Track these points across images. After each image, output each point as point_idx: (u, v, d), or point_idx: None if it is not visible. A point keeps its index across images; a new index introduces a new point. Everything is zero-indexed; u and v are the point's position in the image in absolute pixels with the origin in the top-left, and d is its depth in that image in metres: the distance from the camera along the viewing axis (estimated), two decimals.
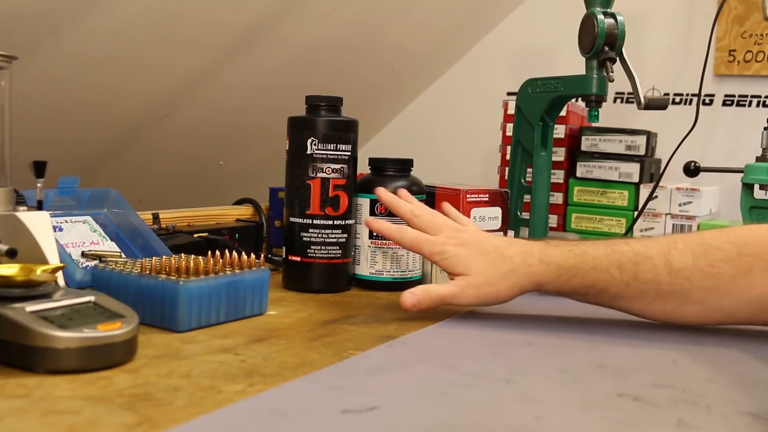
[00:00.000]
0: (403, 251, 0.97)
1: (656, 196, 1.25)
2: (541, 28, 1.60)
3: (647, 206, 1.23)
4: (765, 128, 1.09)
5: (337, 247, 0.95)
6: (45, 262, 0.69)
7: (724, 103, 1.44)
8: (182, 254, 0.80)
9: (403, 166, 1.00)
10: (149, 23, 1.06)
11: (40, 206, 0.73)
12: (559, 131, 1.31)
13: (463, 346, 0.72)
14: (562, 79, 1.13)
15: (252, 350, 0.67)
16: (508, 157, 1.26)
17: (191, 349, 0.67)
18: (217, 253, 0.81)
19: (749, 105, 1.42)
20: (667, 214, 1.25)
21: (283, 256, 0.97)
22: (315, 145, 0.94)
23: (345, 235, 0.95)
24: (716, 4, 1.37)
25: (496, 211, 1.03)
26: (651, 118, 1.33)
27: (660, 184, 1.24)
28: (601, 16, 1.08)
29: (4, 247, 0.64)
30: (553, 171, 1.25)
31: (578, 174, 1.33)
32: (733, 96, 1.43)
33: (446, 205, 0.94)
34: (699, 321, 0.77)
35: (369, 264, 0.98)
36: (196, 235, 1.01)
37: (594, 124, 1.31)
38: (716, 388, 0.61)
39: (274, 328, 0.75)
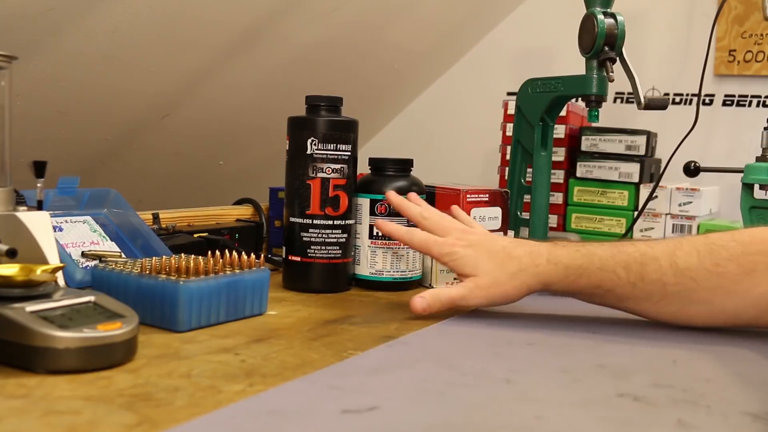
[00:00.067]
0: (403, 251, 0.97)
1: (656, 196, 1.25)
2: (541, 28, 1.60)
3: (647, 206, 1.23)
4: (765, 128, 1.09)
5: (337, 247, 0.95)
6: (45, 262, 0.69)
7: (724, 103, 1.44)
8: (182, 254, 0.80)
9: (403, 166, 1.00)
10: (149, 23, 1.06)
11: (40, 206, 0.73)
12: (559, 131, 1.31)
13: (463, 346, 0.72)
14: (562, 79, 1.13)
15: (252, 350, 0.67)
16: (508, 157, 1.26)
17: (191, 349, 0.67)
18: (217, 253, 0.81)
19: (749, 105, 1.42)
20: (667, 214, 1.25)
21: (283, 256, 0.97)
22: (315, 145, 0.94)
23: (345, 235, 0.95)
24: (716, 4, 1.37)
25: (496, 211, 1.03)
26: (651, 118, 1.33)
27: (660, 184, 1.24)
28: (601, 16, 1.08)
29: (4, 247, 0.64)
30: (553, 171, 1.26)
31: (578, 174, 1.33)
32: (733, 96, 1.43)
33: (455, 208, 0.95)
34: (704, 322, 0.77)
35: (369, 264, 0.98)
36: (196, 235, 1.01)
37: (594, 124, 1.31)
38: (716, 388, 0.61)
39: (274, 328, 0.75)
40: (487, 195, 1.03)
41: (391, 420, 0.51)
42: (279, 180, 1.00)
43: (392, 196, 0.92)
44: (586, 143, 1.32)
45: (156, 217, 1.01)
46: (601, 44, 1.08)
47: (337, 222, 0.95)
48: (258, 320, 0.79)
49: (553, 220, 1.31)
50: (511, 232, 1.11)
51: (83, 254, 0.87)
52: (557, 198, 1.33)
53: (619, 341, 0.74)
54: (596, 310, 0.82)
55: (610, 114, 1.41)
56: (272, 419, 0.51)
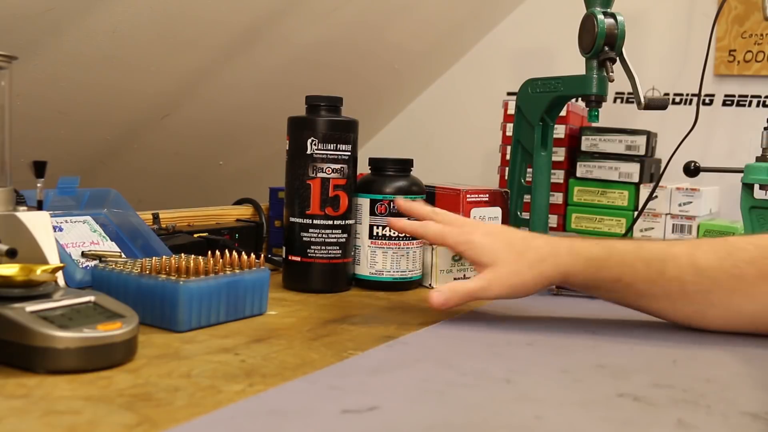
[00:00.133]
0: (403, 251, 0.97)
1: (656, 196, 1.25)
2: (541, 28, 1.60)
3: (647, 206, 1.23)
4: (765, 128, 1.09)
5: (337, 247, 0.95)
6: (45, 262, 0.69)
7: (724, 103, 1.44)
8: (182, 254, 0.80)
9: (403, 166, 1.00)
10: (149, 23, 1.06)
11: (40, 206, 0.73)
12: (559, 131, 1.31)
13: (463, 346, 0.72)
14: (562, 79, 1.13)
15: (252, 350, 0.67)
16: (508, 157, 1.26)
17: (191, 349, 0.67)
18: (217, 253, 0.81)
19: (749, 105, 1.42)
20: (667, 214, 1.25)
21: (283, 256, 0.97)
22: (315, 145, 0.94)
23: (345, 235, 0.95)
24: (716, 4, 1.37)
25: (496, 211, 1.04)
26: (651, 118, 1.32)
27: (660, 184, 1.24)
28: (601, 16, 1.08)
29: (4, 247, 0.64)
30: (553, 171, 1.25)
31: (578, 174, 1.33)
32: (733, 96, 1.43)
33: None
34: (720, 326, 0.76)
35: (369, 264, 0.98)
36: (196, 235, 1.01)
37: (594, 124, 1.31)
38: (716, 388, 0.61)
39: (274, 328, 0.75)
40: (487, 195, 1.03)
41: (391, 420, 0.51)
42: (279, 180, 1.00)
43: (401, 201, 0.89)
44: (586, 143, 1.32)
45: (156, 217, 1.01)
46: (601, 44, 1.08)
47: (337, 222, 0.95)
48: (258, 320, 0.79)
49: (553, 220, 1.31)
50: None
51: (83, 254, 0.87)
52: (557, 198, 1.33)
53: (619, 341, 0.74)
54: (596, 311, 0.82)
55: (610, 114, 1.41)
56: (272, 419, 0.51)
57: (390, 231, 0.97)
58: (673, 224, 1.24)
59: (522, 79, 1.20)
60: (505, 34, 1.65)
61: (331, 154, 0.94)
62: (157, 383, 0.57)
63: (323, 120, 0.94)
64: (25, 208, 0.72)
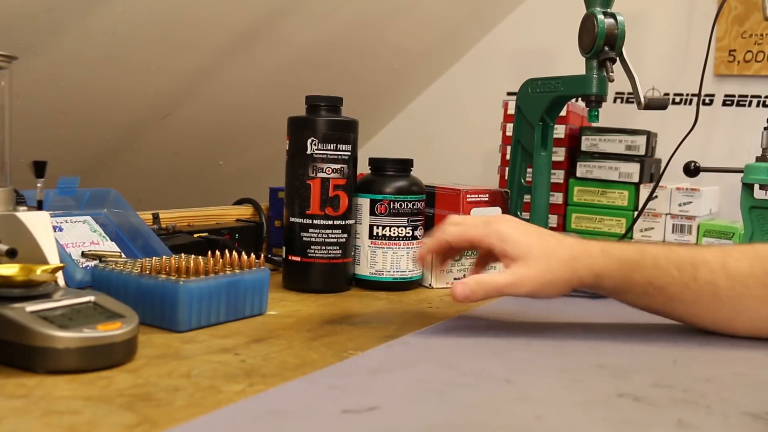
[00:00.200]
0: (403, 251, 0.97)
1: (656, 196, 1.25)
2: (541, 28, 1.60)
3: (647, 206, 1.23)
4: (765, 128, 1.09)
5: (337, 247, 0.95)
6: (45, 262, 0.69)
7: (724, 103, 1.44)
8: (182, 254, 0.80)
9: (403, 166, 1.00)
10: (149, 23, 1.06)
11: (40, 206, 0.73)
12: (559, 131, 1.31)
13: (463, 346, 0.72)
14: (562, 79, 1.13)
15: (252, 350, 0.67)
16: (508, 157, 1.26)
17: (191, 349, 0.67)
18: (217, 253, 0.81)
19: (749, 105, 1.42)
20: (667, 214, 1.25)
21: (283, 256, 0.97)
22: (315, 145, 0.94)
23: (345, 235, 0.95)
24: (716, 4, 1.37)
25: (496, 211, 1.03)
26: (651, 118, 1.33)
27: (660, 184, 1.24)
28: (601, 16, 1.08)
29: (4, 247, 0.64)
30: (553, 171, 1.26)
31: (578, 174, 1.33)
32: (733, 96, 1.43)
33: None
34: (747, 332, 0.75)
35: (369, 264, 0.98)
36: (196, 235, 1.01)
37: (594, 124, 1.31)
38: (716, 388, 0.61)
39: (274, 328, 0.75)
40: (487, 195, 1.03)
41: (391, 420, 0.51)
42: (279, 180, 1.00)
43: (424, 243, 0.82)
44: (586, 143, 1.32)
45: (156, 217, 1.01)
46: (601, 44, 1.08)
47: (337, 222, 0.95)
48: (258, 320, 0.79)
49: (553, 220, 1.31)
50: None
51: (83, 254, 0.87)
52: (557, 198, 1.33)
53: (619, 341, 0.74)
54: (596, 312, 0.82)
55: (610, 114, 1.41)
56: (272, 419, 0.51)
57: (390, 231, 0.97)
58: (673, 224, 1.24)
59: (522, 79, 1.20)
60: (505, 34, 1.65)
61: (331, 154, 0.94)
62: (157, 383, 0.57)
63: (323, 120, 0.94)
64: (25, 208, 0.72)
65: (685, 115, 1.37)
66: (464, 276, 1.01)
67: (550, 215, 1.22)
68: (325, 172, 0.94)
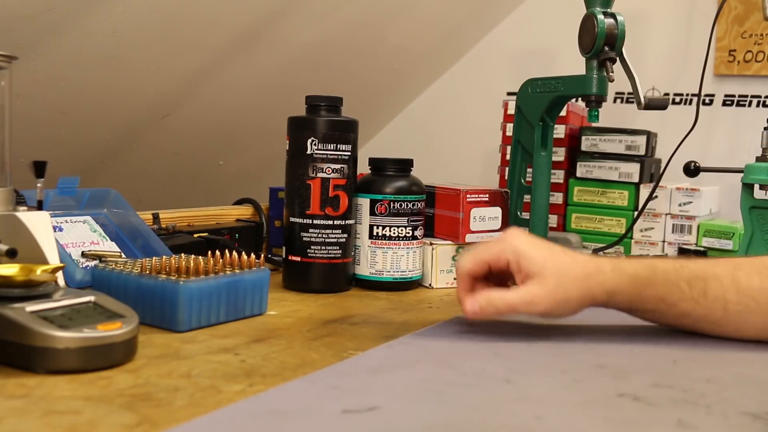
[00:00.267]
0: (403, 251, 0.97)
1: (656, 196, 1.25)
2: (541, 28, 1.60)
3: (647, 206, 1.23)
4: (765, 128, 1.09)
5: (337, 247, 0.95)
6: (45, 262, 0.69)
7: (724, 103, 1.44)
8: (182, 254, 0.80)
9: (403, 166, 1.00)
10: (149, 23, 1.06)
11: (40, 206, 0.73)
12: (559, 131, 1.31)
13: (463, 346, 0.72)
14: (562, 79, 1.13)
15: (252, 350, 0.67)
16: (508, 157, 1.26)
17: (191, 349, 0.67)
18: (217, 253, 0.81)
19: (749, 105, 1.42)
20: (667, 214, 1.25)
21: (283, 256, 0.97)
22: (315, 145, 0.94)
23: (345, 235, 0.95)
24: (716, 4, 1.37)
25: (496, 211, 1.04)
26: (651, 118, 1.32)
27: (660, 184, 1.24)
28: (601, 16, 1.08)
29: (4, 247, 0.64)
30: (553, 171, 1.25)
31: (578, 174, 1.32)
32: (733, 96, 1.43)
33: None
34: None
35: (369, 264, 0.98)
36: (196, 235, 1.01)
37: (594, 124, 1.31)
38: (716, 388, 0.61)
39: (274, 328, 0.75)
40: (487, 195, 1.03)
41: (391, 420, 0.51)
42: (279, 180, 1.00)
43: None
44: (586, 143, 1.32)
45: (156, 217, 1.01)
46: (601, 44, 1.08)
47: (337, 222, 0.95)
48: (258, 320, 0.79)
49: (553, 220, 1.31)
50: None
51: (83, 254, 0.87)
52: (557, 198, 1.33)
53: (619, 341, 0.74)
54: (596, 312, 0.81)
55: (610, 114, 1.41)
56: (272, 419, 0.51)
57: (390, 231, 0.97)
58: (673, 224, 1.24)
59: (522, 79, 1.20)
60: (505, 34, 1.65)
61: (331, 154, 0.94)
62: (157, 383, 0.57)
63: (323, 120, 0.94)
64: (25, 208, 0.72)
65: (685, 115, 1.37)
66: None
67: (550, 215, 1.22)
68: (325, 172, 0.94)
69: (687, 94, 1.47)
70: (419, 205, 0.99)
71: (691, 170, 1.14)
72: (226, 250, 0.81)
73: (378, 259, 0.97)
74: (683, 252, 1.19)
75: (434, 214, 1.05)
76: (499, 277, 0.76)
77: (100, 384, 0.56)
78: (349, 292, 0.97)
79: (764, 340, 0.74)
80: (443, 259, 1.01)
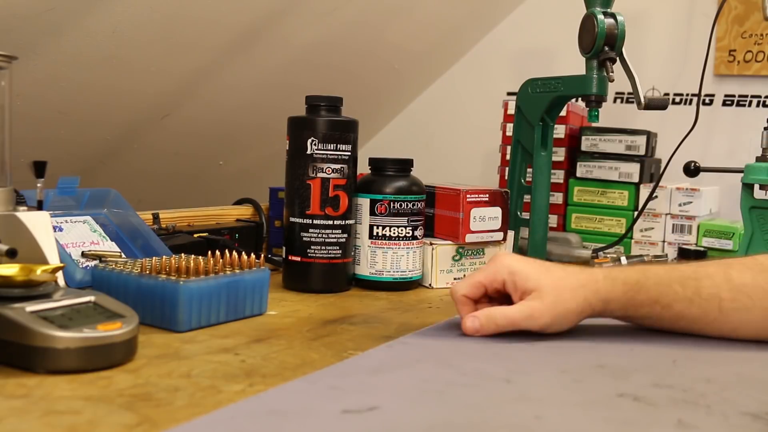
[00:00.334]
0: (403, 251, 0.97)
1: (656, 196, 1.25)
2: (541, 28, 1.60)
3: (647, 206, 1.23)
4: (765, 128, 1.09)
5: (337, 247, 0.95)
6: (45, 262, 0.69)
7: (724, 103, 1.44)
8: (182, 254, 0.80)
9: (403, 166, 1.00)
10: (149, 23, 1.06)
11: (40, 206, 0.73)
12: (559, 131, 1.31)
13: (463, 346, 0.72)
14: (562, 79, 1.13)
15: (252, 350, 0.67)
16: (508, 157, 1.26)
17: (191, 349, 0.67)
18: (217, 253, 0.81)
19: (749, 105, 1.42)
20: (667, 214, 1.25)
21: (283, 256, 0.97)
22: (315, 145, 0.94)
23: (345, 235, 0.95)
24: (716, 4, 1.37)
25: (496, 211, 1.03)
26: (651, 118, 1.33)
27: (660, 184, 1.24)
28: (601, 16, 1.08)
29: (4, 247, 0.64)
30: (553, 171, 1.26)
31: (578, 174, 1.33)
32: (733, 96, 1.43)
33: None
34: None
35: (369, 264, 0.98)
36: (196, 235, 1.01)
37: (594, 124, 1.31)
38: (716, 388, 0.61)
39: (274, 328, 0.75)
40: (487, 195, 1.03)
41: (391, 420, 0.51)
42: (279, 180, 1.00)
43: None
44: (586, 143, 1.32)
45: (156, 217, 1.01)
46: (601, 44, 1.08)
47: (337, 222, 0.95)
48: (258, 320, 0.79)
49: (553, 220, 1.31)
50: (511, 233, 1.11)
51: (83, 254, 0.87)
52: (557, 198, 1.33)
53: (619, 341, 0.74)
54: None
55: (610, 114, 1.41)
56: (272, 419, 0.51)
57: (390, 231, 0.97)
58: (673, 224, 1.24)
59: (522, 79, 1.20)
60: (505, 34, 1.65)
61: (331, 154, 0.94)
62: (157, 383, 0.57)
63: (323, 120, 0.94)
64: (25, 208, 0.72)
65: (685, 115, 1.37)
66: (464, 276, 1.01)
67: (550, 215, 1.22)
68: (325, 172, 0.94)
69: (687, 94, 1.47)
70: (419, 205, 0.99)
71: (691, 170, 1.14)
72: (226, 250, 0.81)
73: (378, 259, 0.97)
74: (683, 252, 1.19)
75: (434, 214, 1.05)
76: (499, 300, 0.77)
77: (100, 384, 0.56)
78: (349, 292, 0.97)
79: (763, 340, 0.74)
80: (443, 259, 1.01)
